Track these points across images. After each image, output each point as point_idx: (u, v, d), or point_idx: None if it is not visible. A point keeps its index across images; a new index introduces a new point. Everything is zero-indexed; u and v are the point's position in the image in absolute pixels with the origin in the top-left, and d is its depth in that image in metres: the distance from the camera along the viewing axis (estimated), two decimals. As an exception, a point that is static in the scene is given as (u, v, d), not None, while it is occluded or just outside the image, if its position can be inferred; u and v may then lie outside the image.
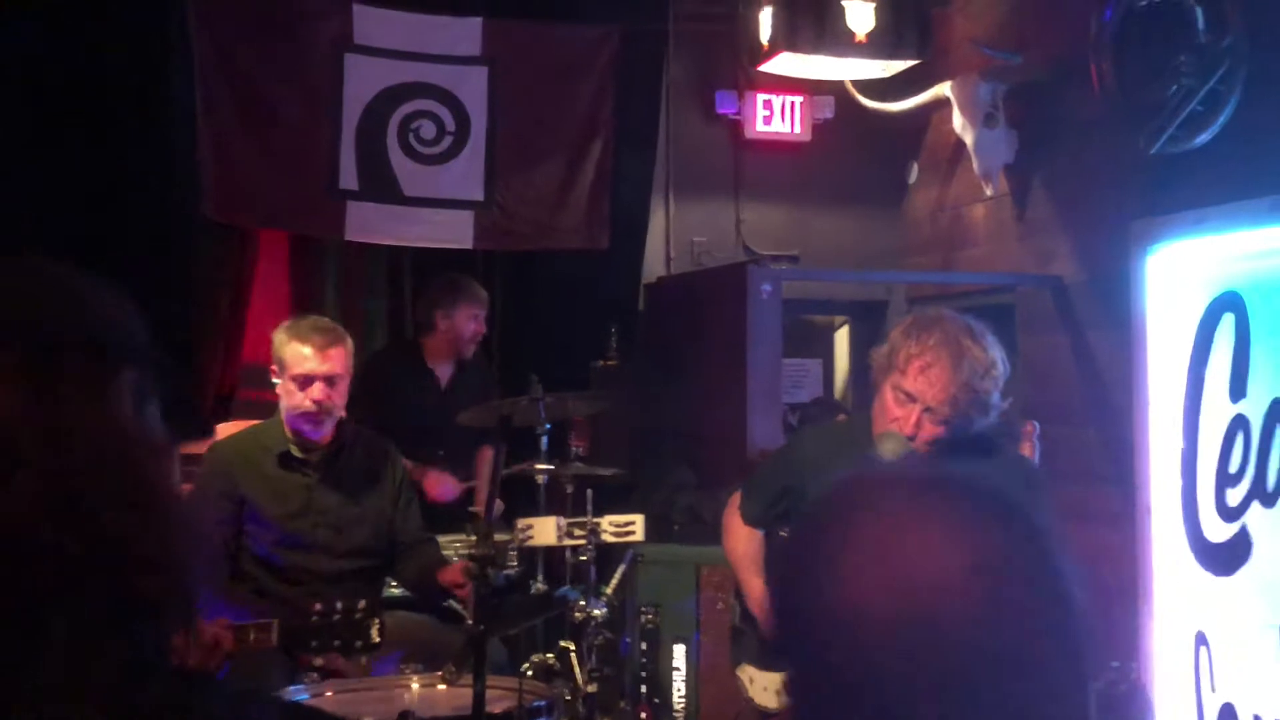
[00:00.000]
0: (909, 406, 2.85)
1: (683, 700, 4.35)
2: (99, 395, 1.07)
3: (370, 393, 4.31)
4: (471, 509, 4.93)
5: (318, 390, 3.55)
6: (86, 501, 1.01)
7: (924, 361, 2.82)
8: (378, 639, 2.97)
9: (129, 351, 1.12)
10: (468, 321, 5.02)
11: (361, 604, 3.00)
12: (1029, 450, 3.42)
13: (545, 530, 3.81)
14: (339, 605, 2.97)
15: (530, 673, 3.78)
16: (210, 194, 5.04)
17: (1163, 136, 4.02)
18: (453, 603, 4.07)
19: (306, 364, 3.56)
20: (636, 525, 3.83)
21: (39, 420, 1.03)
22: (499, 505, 4.84)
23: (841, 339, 6.54)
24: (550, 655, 4.08)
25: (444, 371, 5.07)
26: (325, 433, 3.64)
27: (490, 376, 5.35)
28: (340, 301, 5.73)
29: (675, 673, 4.34)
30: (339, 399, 3.61)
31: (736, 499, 3.34)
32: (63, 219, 4.65)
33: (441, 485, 4.71)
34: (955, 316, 2.95)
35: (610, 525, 3.78)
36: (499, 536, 3.42)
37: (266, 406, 5.18)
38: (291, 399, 3.58)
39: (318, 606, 2.99)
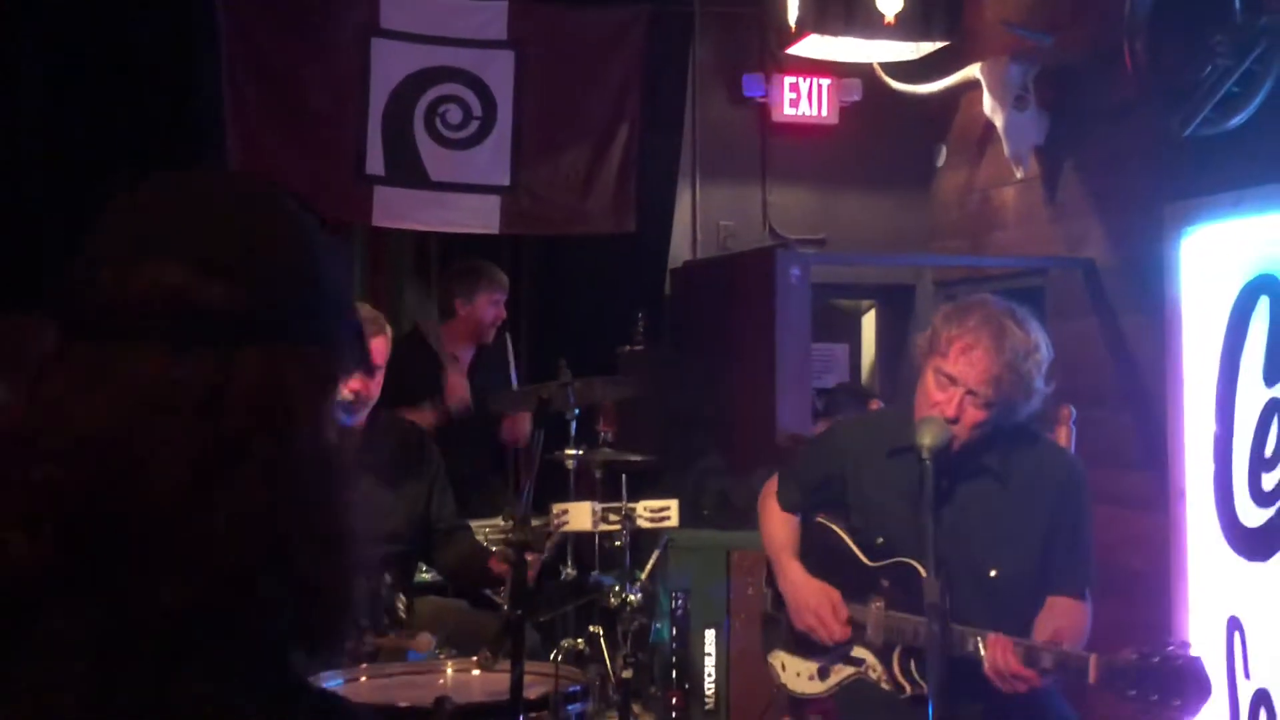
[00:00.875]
0: (951, 390, 2.82)
1: (713, 685, 4.35)
2: (324, 400, 0.95)
3: (392, 378, 4.31)
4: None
5: (357, 381, 3.55)
6: (284, 526, 0.91)
7: (965, 343, 2.80)
8: (404, 614, 2.96)
9: (350, 340, 0.99)
10: (488, 307, 5.02)
11: (387, 579, 2.98)
12: (1065, 435, 3.39)
13: (581, 515, 3.81)
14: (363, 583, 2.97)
15: (561, 658, 3.79)
16: (238, 180, 5.04)
17: (1197, 118, 3.97)
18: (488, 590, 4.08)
19: None
20: (671, 510, 3.82)
21: (270, 419, 0.91)
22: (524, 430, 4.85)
23: (869, 323, 6.52)
24: (580, 641, 4.08)
25: (464, 356, 5.08)
26: (359, 420, 3.65)
27: (506, 351, 5.34)
28: (368, 286, 5.74)
29: (706, 658, 4.34)
30: (376, 389, 3.61)
31: (773, 485, 3.33)
32: (90, 211, 4.66)
33: (519, 425, 4.72)
34: (997, 300, 2.92)
35: (645, 510, 3.78)
36: (534, 522, 3.42)
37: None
38: None
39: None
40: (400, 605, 2.95)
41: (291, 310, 0.94)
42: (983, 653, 2.70)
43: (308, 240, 0.97)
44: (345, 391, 3.56)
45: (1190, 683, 2.53)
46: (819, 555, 3.16)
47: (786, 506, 3.27)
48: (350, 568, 0.96)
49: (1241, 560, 3.84)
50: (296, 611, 0.92)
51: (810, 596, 3.07)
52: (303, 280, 0.95)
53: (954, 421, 2.81)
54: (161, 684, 0.88)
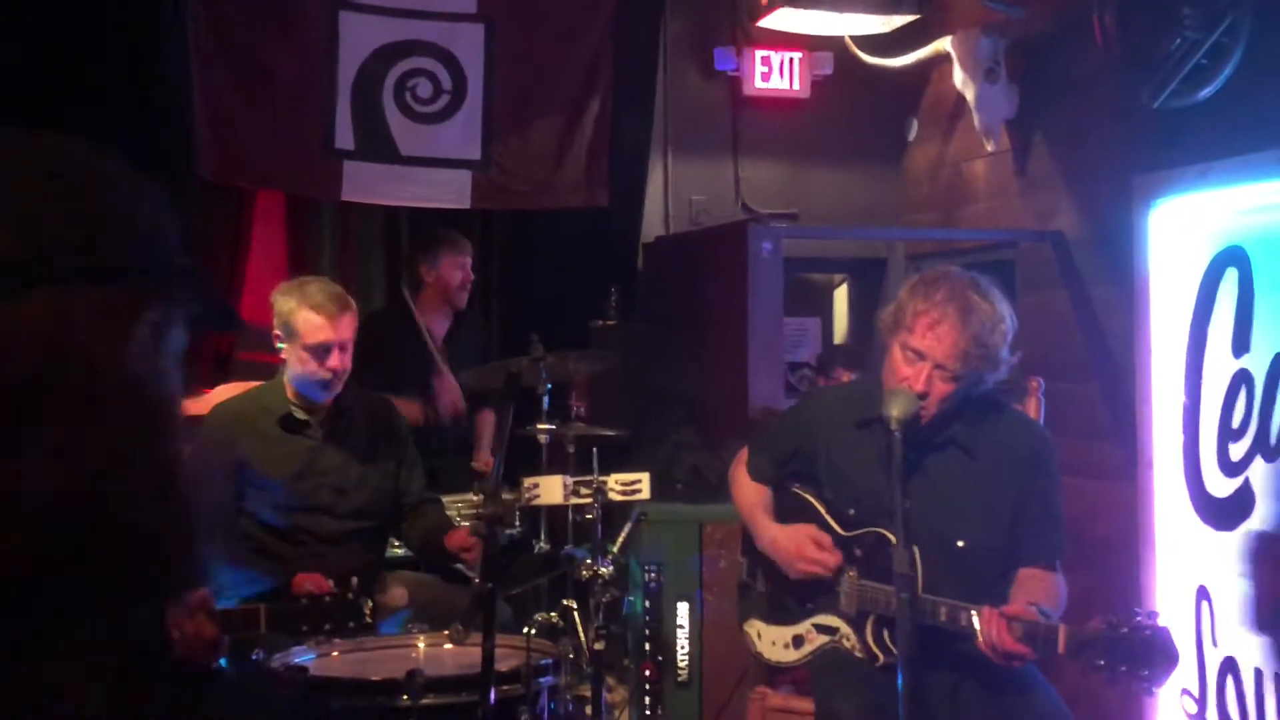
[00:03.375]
0: (919, 364, 2.84)
1: (686, 658, 4.37)
2: (124, 339, 0.92)
3: (366, 354, 4.30)
4: (474, 466, 4.93)
5: (334, 359, 3.54)
6: (100, 468, 0.89)
7: (931, 318, 2.81)
8: (370, 619, 2.95)
9: (162, 273, 0.96)
10: (454, 270, 5.01)
11: (353, 582, 2.97)
12: (1034, 406, 3.41)
13: (551, 489, 3.81)
14: (331, 586, 2.94)
15: (534, 632, 3.79)
16: (204, 155, 5.00)
17: (1166, 90, 3.99)
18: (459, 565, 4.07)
19: (321, 333, 3.52)
20: (643, 484, 3.83)
21: (61, 370, 0.89)
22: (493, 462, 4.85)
23: (840, 297, 6.53)
24: (554, 614, 4.09)
25: (439, 327, 5.06)
26: (333, 395, 3.64)
27: (486, 332, 5.34)
28: (337, 262, 5.71)
29: (679, 630, 4.36)
30: (349, 363, 3.60)
31: (743, 455, 3.34)
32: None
33: (444, 390, 4.73)
34: (961, 272, 2.93)
35: (617, 484, 3.78)
36: (505, 495, 3.42)
37: (264, 368, 5.18)
38: (305, 366, 3.55)
39: (307, 588, 2.95)
40: (367, 610, 2.93)
41: (73, 253, 0.91)
42: (977, 626, 2.71)
43: (97, 185, 0.96)
44: (323, 371, 3.54)
45: (1158, 653, 2.56)
46: (794, 523, 3.17)
47: (756, 477, 3.28)
48: (182, 512, 0.94)
49: (1209, 530, 3.88)
50: (132, 564, 0.90)
51: (792, 543, 3.08)
52: (88, 223, 0.93)
53: (923, 396, 2.82)
54: (13, 656, 0.86)
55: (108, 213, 0.95)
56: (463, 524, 3.96)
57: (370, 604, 2.89)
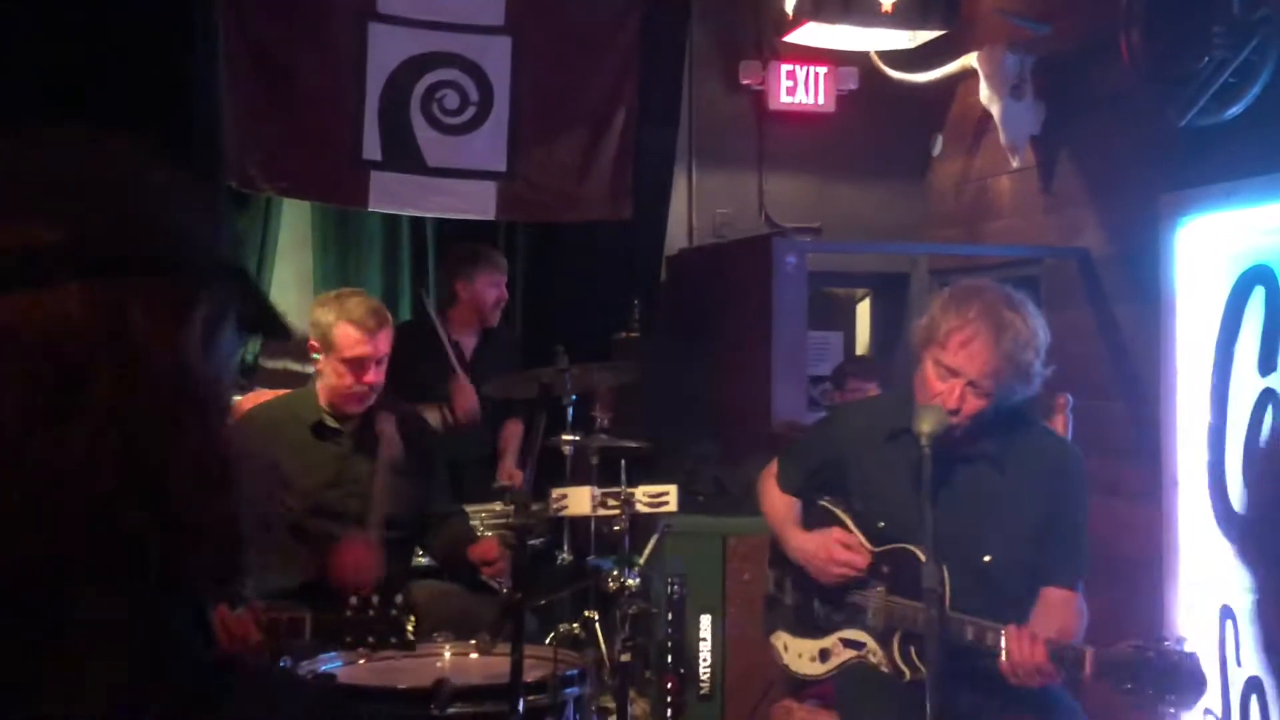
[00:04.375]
0: (951, 381, 2.84)
1: (709, 670, 4.37)
2: (173, 329, 0.93)
3: (395, 366, 4.33)
4: (499, 479, 4.94)
5: (370, 374, 3.56)
6: (145, 455, 0.89)
7: (964, 335, 2.81)
8: (412, 637, 2.96)
9: (211, 271, 0.96)
10: (489, 289, 5.03)
11: (398, 599, 2.98)
12: (1062, 423, 3.41)
13: (580, 500, 3.82)
14: (375, 600, 2.96)
15: (557, 643, 3.80)
16: (234, 164, 5.04)
17: (1194, 109, 3.99)
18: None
19: (359, 348, 3.55)
20: (670, 496, 3.83)
21: (107, 355, 0.89)
22: (519, 476, 4.86)
23: (863, 312, 6.53)
24: (576, 625, 4.09)
25: (468, 342, 5.08)
26: (366, 407, 3.66)
27: (515, 346, 5.35)
28: (363, 272, 5.74)
29: (702, 643, 4.36)
30: (383, 377, 3.62)
31: (772, 468, 3.35)
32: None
33: (463, 397, 4.74)
34: (994, 286, 2.93)
35: (644, 496, 3.79)
36: (534, 506, 3.43)
37: (289, 376, 5.21)
38: (341, 379, 3.57)
39: (353, 600, 2.97)
40: (409, 627, 2.94)
41: (124, 245, 0.92)
42: (1003, 645, 2.71)
43: (144, 184, 0.97)
44: (359, 385, 3.57)
45: (1185, 678, 2.56)
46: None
47: (785, 489, 3.28)
48: (235, 503, 0.94)
49: (1234, 549, 3.87)
50: (180, 552, 0.91)
51: (821, 548, 3.09)
52: (139, 219, 0.94)
53: (955, 412, 2.83)
54: (41, 632, 0.87)
55: (155, 210, 0.96)
56: (486, 535, 3.98)
57: (413, 621, 2.90)
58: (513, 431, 5.08)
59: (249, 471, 0.97)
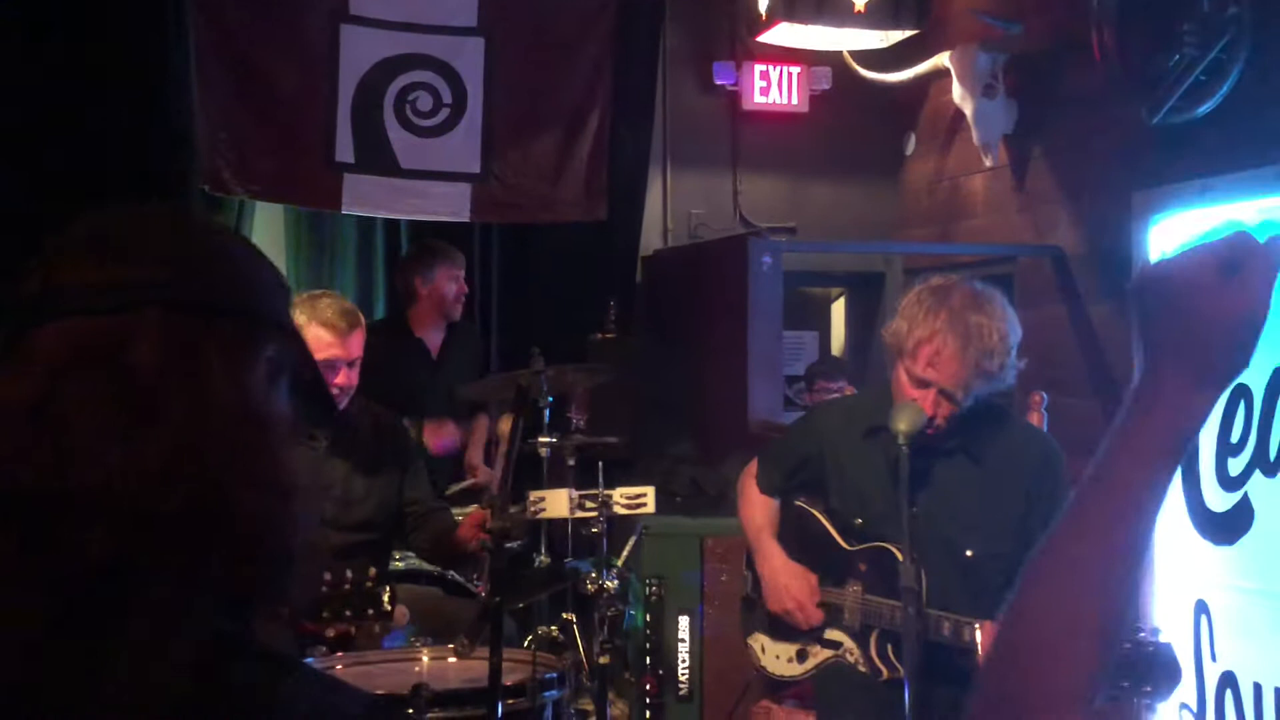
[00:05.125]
0: (924, 390, 2.86)
1: (687, 671, 4.37)
2: (242, 366, 1.03)
3: (364, 368, 4.32)
4: (466, 459, 4.91)
5: (342, 376, 3.54)
6: (214, 472, 0.98)
7: (932, 348, 2.81)
8: (389, 607, 2.95)
9: (276, 326, 1.08)
10: (448, 283, 5.00)
11: (372, 572, 2.97)
12: (1036, 421, 3.43)
13: (557, 503, 3.81)
14: (349, 575, 2.94)
15: (535, 645, 3.79)
16: (206, 167, 5.01)
17: (1165, 106, 4.01)
18: (454, 575, 4.07)
19: (331, 350, 3.52)
20: (648, 497, 3.83)
21: (179, 381, 0.99)
22: (484, 471, 4.85)
23: (838, 311, 6.55)
24: (554, 628, 4.08)
25: (434, 339, 5.06)
26: (338, 410, 3.63)
27: (478, 340, 5.33)
28: (337, 274, 5.71)
29: (680, 644, 4.36)
30: (356, 379, 3.60)
31: (753, 467, 3.35)
32: (55, 196, 4.61)
33: (441, 436, 4.72)
34: (961, 287, 2.91)
35: (622, 498, 3.78)
36: (512, 509, 3.42)
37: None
38: None
39: (327, 576, 2.96)
40: (385, 598, 2.93)
41: (200, 289, 1.03)
42: (979, 640, 2.71)
43: (215, 241, 1.11)
44: (331, 388, 3.55)
45: (1161, 669, 2.57)
46: (797, 538, 3.18)
47: (765, 489, 3.29)
48: (292, 518, 1.02)
49: (1208, 544, 3.89)
50: (239, 562, 0.98)
51: (790, 580, 3.10)
52: (214, 270, 1.06)
53: (930, 418, 2.84)
54: (104, 632, 0.94)
55: (228, 264, 1.09)
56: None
57: (389, 592, 2.90)
58: (481, 422, 5.06)
59: (305, 500, 1.05)
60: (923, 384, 2.84)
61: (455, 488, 4.78)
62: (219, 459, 0.98)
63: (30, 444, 0.95)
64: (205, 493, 0.97)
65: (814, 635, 3.14)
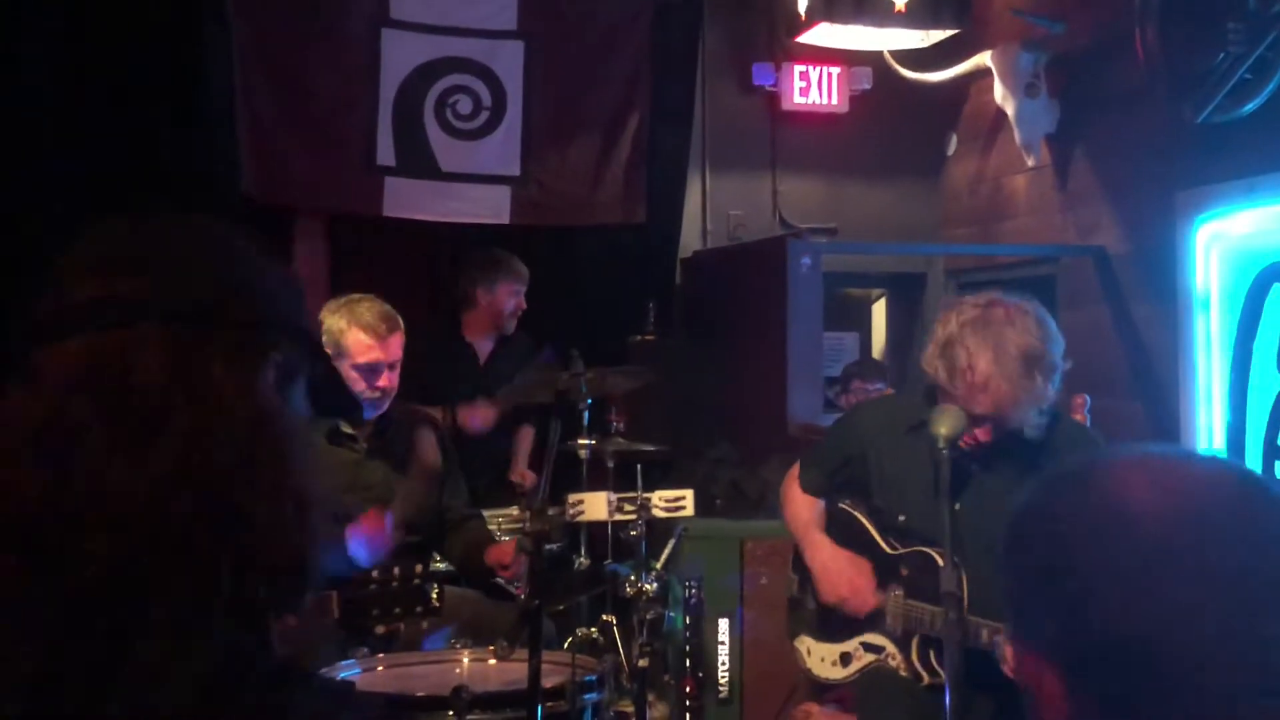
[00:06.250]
0: (982, 426, 2.84)
1: (727, 674, 4.36)
2: (248, 373, 1.03)
3: (409, 368, 4.34)
4: (511, 479, 4.93)
5: (384, 379, 3.57)
6: (223, 482, 0.98)
7: (975, 385, 2.77)
8: (439, 603, 2.95)
9: (283, 329, 1.08)
10: (509, 298, 5.01)
11: (419, 569, 2.98)
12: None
13: (596, 505, 3.81)
14: (396, 571, 2.95)
15: (574, 648, 3.80)
16: (248, 173, 5.05)
17: (1210, 105, 3.97)
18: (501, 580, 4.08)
19: (371, 353, 3.56)
20: (687, 500, 3.83)
21: (185, 390, 0.99)
22: (530, 476, 4.86)
23: (879, 312, 6.52)
24: (594, 630, 4.09)
25: (483, 347, 5.08)
26: (379, 413, 3.66)
27: (532, 355, 5.34)
28: (379, 279, 5.73)
29: (720, 647, 4.35)
30: (396, 382, 3.63)
31: (795, 470, 3.34)
32: (98, 202, 4.66)
33: (475, 414, 4.74)
34: (1002, 304, 2.85)
35: (660, 500, 3.78)
36: (551, 512, 3.43)
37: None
38: (354, 385, 3.57)
39: (375, 574, 2.96)
40: (434, 594, 2.93)
41: (201, 299, 1.04)
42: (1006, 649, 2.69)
43: (228, 252, 1.10)
44: (372, 391, 3.58)
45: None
46: (841, 542, 3.17)
47: (809, 489, 3.28)
48: (307, 527, 1.02)
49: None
50: (251, 576, 0.98)
51: (845, 567, 3.09)
52: (216, 279, 1.06)
53: (974, 438, 2.83)
54: (113, 649, 0.94)
55: (231, 272, 1.09)
56: (503, 539, 3.97)
57: (438, 589, 2.90)
58: (526, 434, 5.08)
59: (321, 507, 1.04)
60: (978, 421, 2.82)
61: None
62: (227, 468, 0.98)
63: (35, 464, 0.96)
64: (214, 503, 0.97)
65: (857, 638, 3.12)
